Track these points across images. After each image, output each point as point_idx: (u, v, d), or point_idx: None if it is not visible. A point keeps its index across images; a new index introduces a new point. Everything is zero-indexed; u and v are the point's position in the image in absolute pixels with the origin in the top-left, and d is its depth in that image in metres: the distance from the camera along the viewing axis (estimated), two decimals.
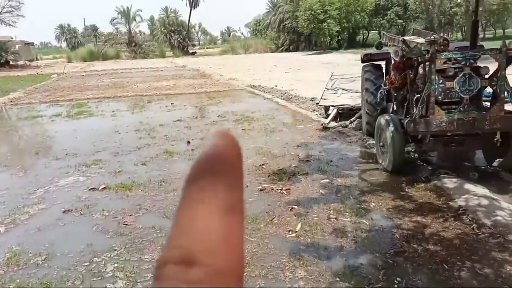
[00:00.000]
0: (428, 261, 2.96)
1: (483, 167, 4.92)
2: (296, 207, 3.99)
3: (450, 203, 3.90)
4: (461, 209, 3.73)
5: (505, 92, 4.35)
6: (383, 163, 5.02)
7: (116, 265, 3.06)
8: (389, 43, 7.70)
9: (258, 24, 66.08)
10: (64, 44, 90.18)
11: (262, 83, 14.44)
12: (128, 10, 57.98)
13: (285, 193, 4.37)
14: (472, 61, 4.46)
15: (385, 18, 43.60)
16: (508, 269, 2.81)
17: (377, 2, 42.72)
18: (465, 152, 5.27)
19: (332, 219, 3.69)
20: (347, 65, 18.75)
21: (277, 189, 4.46)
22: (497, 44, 4.44)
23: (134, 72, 24.65)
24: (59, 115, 10.28)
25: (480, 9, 35.85)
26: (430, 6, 41.01)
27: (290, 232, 3.49)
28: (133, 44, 54.09)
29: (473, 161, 5.24)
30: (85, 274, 2.96)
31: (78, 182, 5.02)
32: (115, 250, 3.28)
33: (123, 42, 56.30)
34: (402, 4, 43.40)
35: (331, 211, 3.87)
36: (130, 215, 3.96)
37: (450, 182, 4.30)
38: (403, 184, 4.48)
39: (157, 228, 3.63)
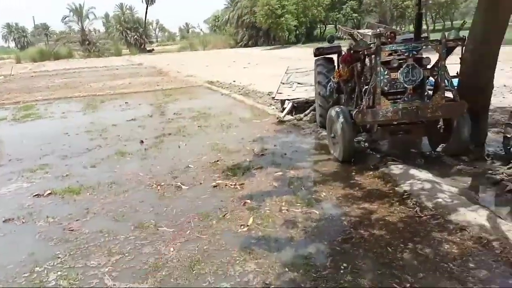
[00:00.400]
0: (374, 246, 3.05)
1: (428, 153, 5.14)
2: (249, 201, 3.99)
3: (396, 188, 4.05)
4: (406, 193, 3.87)
5: (446, 81, 4.55)
6: (334, 154, 5.14)
7: (59, 273, 2.93)
8: (344, 36, 7.87)
9: (217, 20, 65.64)
10: (12, 44, 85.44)
11: (220, 79, 14.36)
12: (80, 7, 55.80)
13: (239, 188, 4.36)
14: (415, 52, 4.60)
15: (341, 12, 44.65)
16: (446, 248, 2.95)
17: None
18: (412, 140, 5.48)
19: (283, 211, 3.73)
20: (305, 59, 18.91)
21: (231, 185, 4.45)
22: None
23: (87, 71, 23.75)
24: (4, 119, 9.70)
25: (430, 2, 37.51)
26: (383, 0, 42.33)
27: (242, 227, 3.48)
28: (87, 42, 52.18)
29: (419, 147, 5.46)
30: (24, 285, 2.81)
31: (21, 188, 4.76)
32: (59, 258, 3.13)
33: (76, 40, 54.24)
34: None
35: (283, 203, 3.90)
36: (77, 220, 3.81)
37: (396, 169, 4.46)
38: (353, 173, 4.60)
39: (105, 232, 3.51)
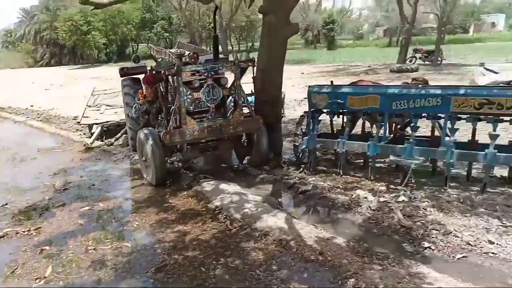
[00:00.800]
0: (188, 269, 3.02)
1: (236, 166, 5.51)
2: (47, 247, 3.44)
3: (208, 205, 4.16)
4: (217, 209, 4.02)
5: (242, 99, 4.97)
6: (148, 178, 4.97)
7: None
8: (156, 56, 7.75)
9: (9, 35, 56.58)
10: None
11: (13, 104, 12.26)
12: None
13: (34, 234, 3.72)
14: (213, 73, 4.87)
15: (152, 31, 44.63)
16: (253, 256, 3.16)
17: (143, 16, 43.24)
18: (221, 155, 5.77)
19: (90, 251, 3.35)
20: (117, 79, 18.02)
21: (23, 231, 3.76)
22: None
23: None
24: None
25: (233, 24, 41.36)
26: (192, 21, 44.38)
27: (38, 280, 2.96)
28: None
29: (229, 162, 5.80)
30: None
31: None
32: None
33: None
34: (167, 18, 45.38)
35: (90, 241, 3.51)
36: None
37: (208, 185, 4.61)
38: (167, 196, 4.53)
39: None
